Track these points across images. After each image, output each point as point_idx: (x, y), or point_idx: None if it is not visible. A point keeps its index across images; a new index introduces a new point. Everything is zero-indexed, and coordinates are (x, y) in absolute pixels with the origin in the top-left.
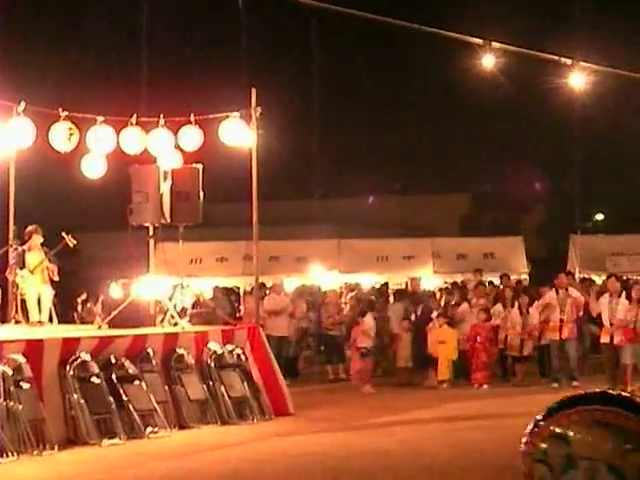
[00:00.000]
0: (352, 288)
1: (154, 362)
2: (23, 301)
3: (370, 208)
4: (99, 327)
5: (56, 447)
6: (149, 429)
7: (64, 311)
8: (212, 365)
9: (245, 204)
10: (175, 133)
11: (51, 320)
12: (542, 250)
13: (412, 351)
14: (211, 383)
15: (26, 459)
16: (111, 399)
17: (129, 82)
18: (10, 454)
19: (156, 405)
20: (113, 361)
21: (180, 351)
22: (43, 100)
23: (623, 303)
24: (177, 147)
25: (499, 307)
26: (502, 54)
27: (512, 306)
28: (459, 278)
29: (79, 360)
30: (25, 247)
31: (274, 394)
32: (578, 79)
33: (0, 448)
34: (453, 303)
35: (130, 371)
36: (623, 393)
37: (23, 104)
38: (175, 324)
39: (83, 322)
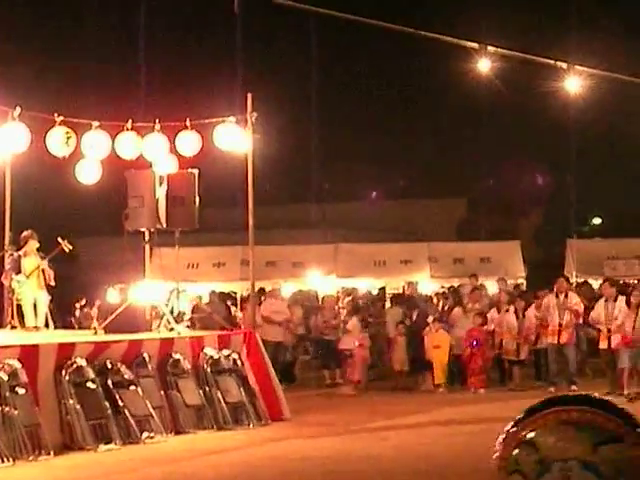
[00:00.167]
0: (349, 293)
1: (150, 367)
2: (19, 306)
3: (372, 205)
4: (95, 332)
5: (52, 452)
6: (145, 434)
7: (62, 316)
8: (208, 370)
9: (242, 209)
10: (171, 138)
11: (47, 325)
12: (539, 254)
13: (408, 355)
14: (207, 388)
15: (22, 464)
16: (107, 404)
17: (124, 87)
18: (6, 459)
19: (152, 410)
20: (109, 366)
21: (176, 356)
22: (38, 105)
23: (621, 307)
24: (172, 152)
25: (494, 311)
26: (498, 58)
27: (507, 310)
28: (456, 282)
29: (75, 365)
30: (21, 252)
31: (270, 399)
32: (574, 83)
33: None
34: (447, 308)
35: (126, 376)
36: (584, 393)
37: (18, 109)
38: (171, 329)
39: (81, 327)
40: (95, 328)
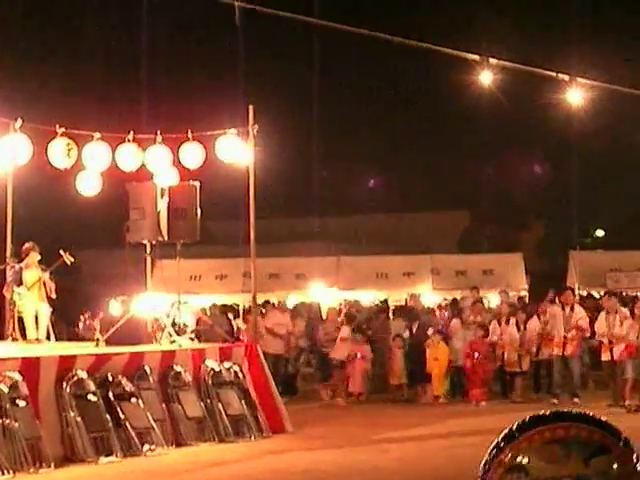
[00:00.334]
0: (351, 305)
1: (151, 380)
2: (20, 318)
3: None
4: (96, 344)
5: (53, 465)
6: (146, 447)
7: (67, 328)
8: (209, 382)
9: (244, 221)
10: (173, 150)
11: (48, 337)
12: (542, 266)
13: (406, 368)
14: (208, 401)
15: (22, 477)
16: (108, 417)
17: (126, 98)
18: (6, 472)
19: (153, 423)
20: (110, 379)
21: (177, 368)
22: (39, 117)
23: (624, 318)
24: (174, 164)
25: (496, 324)
26: (500, 70)
27: (507, 322)
28: (458, 295)
29: (76, 378)
30: (22, 265)
31: (271, 411)
32: (576, 95)
33: None
34: (445, 319)
35: (127, 389)
36: (561, 410)
37: (20, 121)
38: (173, 342)
39: (84, 339)
40: (97, 340)
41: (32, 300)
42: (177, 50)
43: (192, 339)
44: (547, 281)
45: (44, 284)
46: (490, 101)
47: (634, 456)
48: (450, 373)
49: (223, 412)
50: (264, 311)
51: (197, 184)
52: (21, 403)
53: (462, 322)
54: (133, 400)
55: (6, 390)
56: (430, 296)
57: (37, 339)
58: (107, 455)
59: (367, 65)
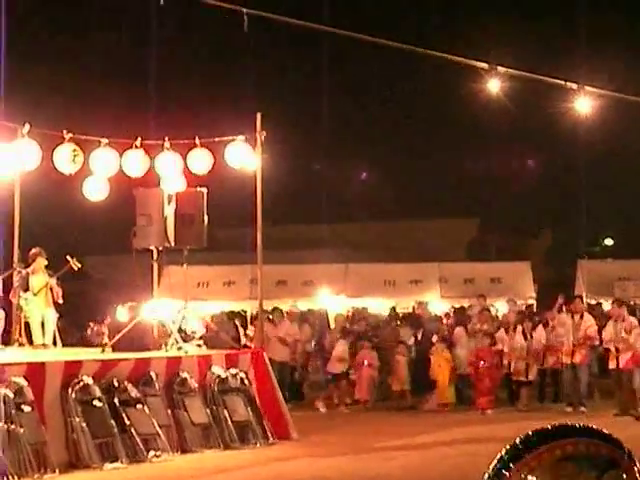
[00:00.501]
0: (358, 312)
1: (157, 386)
2: (27, 324)
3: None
4: (103, 350)
5: (57, 471)
6: (151, 453)
7: (75, 334)
8: (215, 389)
9: (252, 228)
10: (182, 156)
11: (55, 343)
12: (550, 275)
13: (410, 375)
14: (214, 407)
15: None
16: (113, 423)
17: (133, 105)
18: (11, 477)
19: (159, 429)
20: (116, 385)
21: (183, 375)
22: (47, 122)
23: (631, 326)
24: (181, 170)
25: (503, 332)
26: (508, 78)
27: (515, 331)
28: (466, 303)
29: (81, 383)
30: (29, 270)
31: (276, 418)
32: (584, 103)
33: (1, 472)
34: (449, 327)
35: (133, 395)
36: (565, 424)
37: (27, 126)
38: (179, 348)
39: (93, 345)
40: (103, 346)
41: (39, 305)
42: (185, 56)
43: (199, 345)
44: (555, 290)
45: (51, 290)
46: (498, 109)
47: (636, 468)
48: (454, 381)
49: (228, 419)
50: (273, 319)
51: (204, 190)
52: (26, 408)
53: (467, 330)
54: (139, 406)
55: (11, 395)
56: (438, 304)
57: (43, 344)
58: (112, 461)
59: (376, 72)
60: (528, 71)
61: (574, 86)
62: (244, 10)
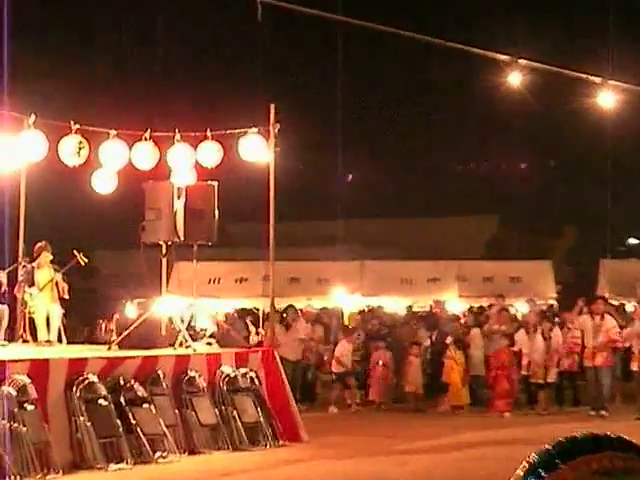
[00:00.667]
0: (373, 311)
1: (164, 385)
2: (32, 320)
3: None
4: (109, 347)
5: (61, 471)
6: (158, 454)
7: (84, 331)
8: (224, 389)
9: (265, 223)
10: (193, 148)
11: (60, 340)
12: (572, 275)
13: (423, 376)
14: (223, 407)
15: None
16: (119, 422)
17: (143, 96)
18: (13, 478)
19: (165, 429)
20: (122, 383)
21: (191, 374)
22: (54, 113)
23: None
24: (192, 163)
25: (521, 333)
26: (529, 72)
27: (535, 332)
28: (485, 302)
29: (86, 382)
30: (34, 264)
31: (287, 420)
32: (608, 97)
33: (3, 471)
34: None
35: (139, 394)
36: (609, 433)
37: (33, 117)
38: (188, 346)
39: (102, 343)
40: (109, 343)
41: (44, 301)
42: (197, 45)
43: (210, 344)
44: (577, 290)
45: (56, 285)
46: (520, 103)
47: None
48: (467, 382)
49: (238, 419)
50: (287, 318)
51: (215, 184)
52: (29, 407)
53: (483, 331)
54: (145, 405)
55: (14, 393)
56: (456, 303)
57: (48, 341)
58: (117, 462)
59: (393, 63)
60: (550, 64)
61: (597, 80)
62: None
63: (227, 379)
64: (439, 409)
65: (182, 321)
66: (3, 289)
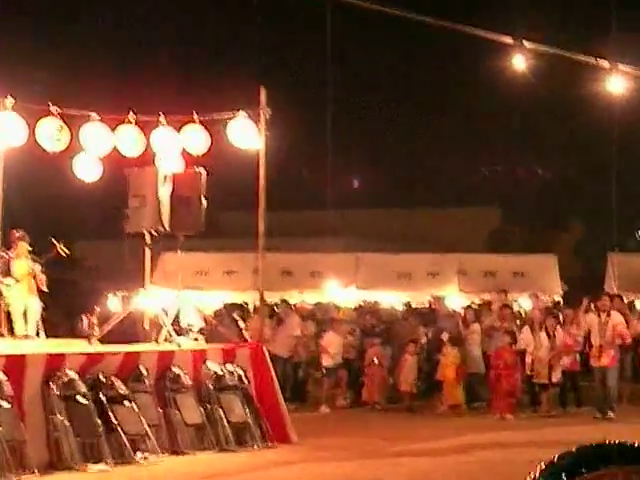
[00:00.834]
0: (370, 306)
1: (147, 382)
2: (8, 313)
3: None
4: (90, 342)
5: (37, 471)
6: (139, 454)
7: (65, 325)
8: (210, 386)
9: (255, 213)
10: (178, 133)
11: (38, 334)
12: (578, 269)
13: (419, 375)
14: (209, 406)
15: None
16: (99, 421)
17: (127, 77)
18: None
19: (148, 429)
20: (102, 380)
21: (176, 370)
22: (34, 95)
23: None
24: (179, 149)
25: (526, 331)
26: (534, 55)
27: (540, 329)
28: (486, 297)
29: (65, 378)
30: (12, 254)
31: (276, 420)
32: (617, 83)
33: None
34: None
35: (120, 391)
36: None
37: (11, 99)
38: (172, 341)
39: (84, 338)
40: (90, 338)
41: (21, 293)
42: (183, 25)
43: (196, 339)
44: (584, 286)
45: (34, 277)
46: (524, 88)
47: None
48: (465, 381)
49: (224, 419)
50: (279, 312)
51: (203, 171)
52: (4, 404)
53: (483, 327)
54: (127, 403)
55: None
56: (456, 299)
57: (26, 335)
58: (96, 462)
59: (390, 45)
60: (556, 47)
61: (606, 64)
62: None
63: (213, 376)
64: (437, 410)
65: (167, 315)
66: None
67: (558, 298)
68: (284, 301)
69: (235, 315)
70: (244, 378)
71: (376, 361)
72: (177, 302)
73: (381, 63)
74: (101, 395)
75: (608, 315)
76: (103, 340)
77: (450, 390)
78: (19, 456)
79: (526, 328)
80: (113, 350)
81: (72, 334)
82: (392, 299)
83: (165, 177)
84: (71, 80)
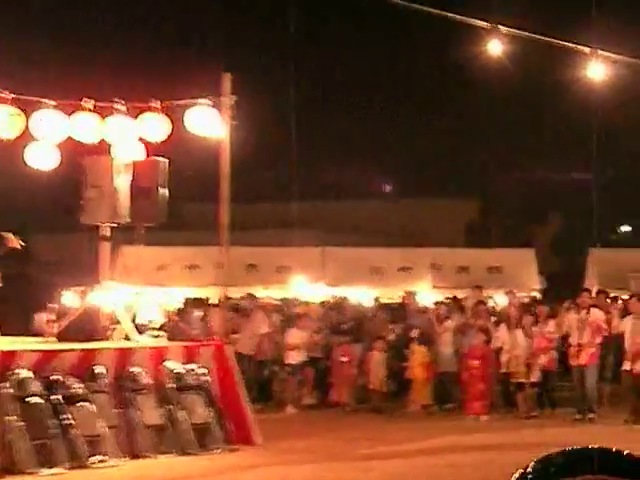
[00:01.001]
0: (337, 302)
1: (104, 381)
2: None
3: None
4: (46, 340)
5: None
6: (96, 457)
7: (20, 322)
8: (171, 386)
9: (219, 205)
10: (135, 120)
11: None
12: (558, 265)
13: (388, 373)
14: (170, 407)
15: None
16: (54, 422)
17: (84, 61)
18: None
19: (106, 430)
20: (57, 379)
21: (135, 369)
22: None
23: None
24: (140, 137)
25: (502, 328)
26: (511, 40)
27: (516, 327)
28: (460, 294)
29: (18, 377)
30: None
31: (240, 421)
32: (598, 70)
33: None
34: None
35: (77, 391)
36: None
37: None
38: (128, 338)
39: (38, 334)
40: (45, 334)
41: None
42: (144, 7)
43: (157, 336)
44: (563, 282)
45: None
46: (501, 75)
47: None
48: (435, 380)
49: (186, 420)
50: (245, 308)
51: (165, 160)
52: None
53: (456, 325)
54: (83, 404)
55: None
56: (429, 295)
57: None
58: (51, 466)
59: (361, 31)
60: (534, 32)
61: (586, 50)
62: None
63: (174, 376)
64: (408, 409)
65: (126, 311)
66: None
67: (536, 294)
68: (250, 295)
69: (197, 311)
70: (207, 377)
71: (344, 359)
72: (137, 297)
73: (352, 48)
74: (56, 395)
75: (588, 312)
76: (59, 337)
77: (419, 390)
78: None
79: (502, 326)
80: (69, 347)
81: (27, 331)
82: (363, 295)
83: (124, 166)
84: (24, 65)
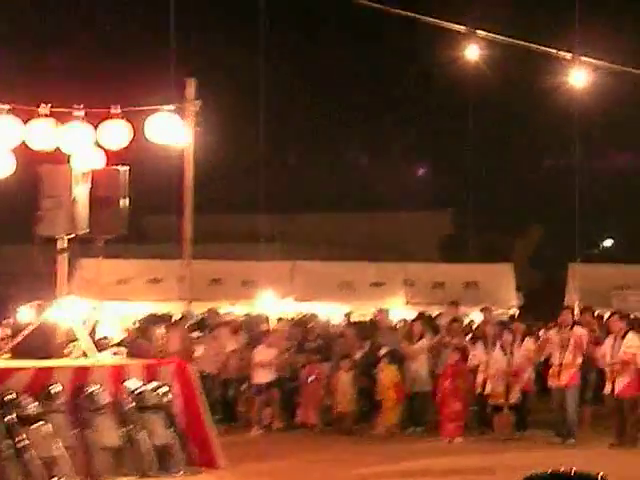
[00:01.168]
0: (306, 318)
1: (61, 400)
2: None
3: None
4: None
5: None
6: None
7: None
8: (131, 406)
9: (182, 217)
10: (96, 127)
11: None
12: (537, 280)
13: (355, 394)
14: (129, 427)
15: None
16: (8, 443)
17: (41, 65)
18: None
19: (62, 452)
20: (11, 398)
21: (93, 388)
22: None
23: (633, 344)
24: (99, 145)
25: (479, 346)
26: (488, 45)
27: (493, 345)
28: (435, 310)
29: None
30: None
31: (203, 443)
32: (579, 77)
33: None
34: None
35: (31, 410)
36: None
37: None
38: (85, 356)
39: None
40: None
41: None
42: (104, 10)
43: (116, 354)
44: (543, 298)
45: None
46: (478, 81)
47: None
48: (407, 401)
49: (146, 441)
50: (208, 324)
51: (125, 169)
52: None
53: (430, 343)
54: (38, 424)
55: None
56: (402, 311)
57: None
58: None
59: (331, 34)
60: (513, 37)
61: (568, 56)
62: None
63: (134, 395)
64: (376, 430)
65: (84, 327)
66: None
67: (514, 311)
68: (213, 311)
69: (159, 328)
70: (168, 397)
71: (312, 379)
72: (95, 313)
73: (323, 53)
74: (10, 415)
75: (571, 329)
76: (13, 354)
77: (389, 410)
78: None
79: (479, 344)
80: (23, 365)
81: None
82: (333, 311)
83: (82, 175)
84: None
